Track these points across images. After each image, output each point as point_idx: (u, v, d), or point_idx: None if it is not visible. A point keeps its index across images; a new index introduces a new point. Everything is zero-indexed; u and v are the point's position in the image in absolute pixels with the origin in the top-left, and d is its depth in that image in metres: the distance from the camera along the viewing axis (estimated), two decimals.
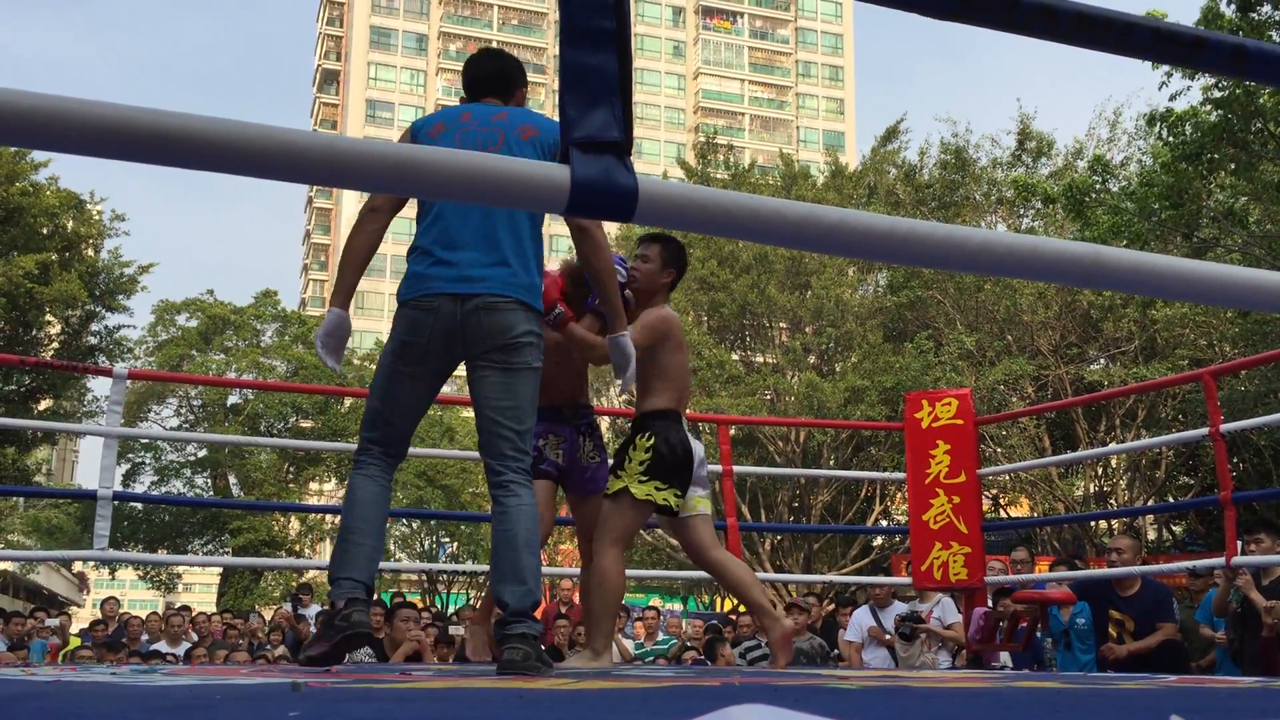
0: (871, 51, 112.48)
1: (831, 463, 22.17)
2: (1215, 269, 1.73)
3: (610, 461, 4.12)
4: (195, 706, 1.40)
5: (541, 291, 3.23)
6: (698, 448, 4.04)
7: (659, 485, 3.84)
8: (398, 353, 3.17)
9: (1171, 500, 19.30)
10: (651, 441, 3.85)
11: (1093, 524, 19.73)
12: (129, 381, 6.26)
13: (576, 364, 4.19)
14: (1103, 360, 20.08)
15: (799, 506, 23.02)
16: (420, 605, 14.34)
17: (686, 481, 3.94)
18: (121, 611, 11.94)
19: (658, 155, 61.94)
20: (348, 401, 33.01)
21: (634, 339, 3.64)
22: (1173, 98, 13.40)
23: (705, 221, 1.53)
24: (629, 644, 9.86)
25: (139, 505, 30.78)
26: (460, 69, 3.58)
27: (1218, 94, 12.67)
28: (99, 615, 10.98)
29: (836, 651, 8.08)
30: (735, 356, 24.01)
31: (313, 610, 11.06)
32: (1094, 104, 53.22)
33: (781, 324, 23.99)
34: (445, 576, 33.38)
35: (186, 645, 9.63)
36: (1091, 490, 20.37)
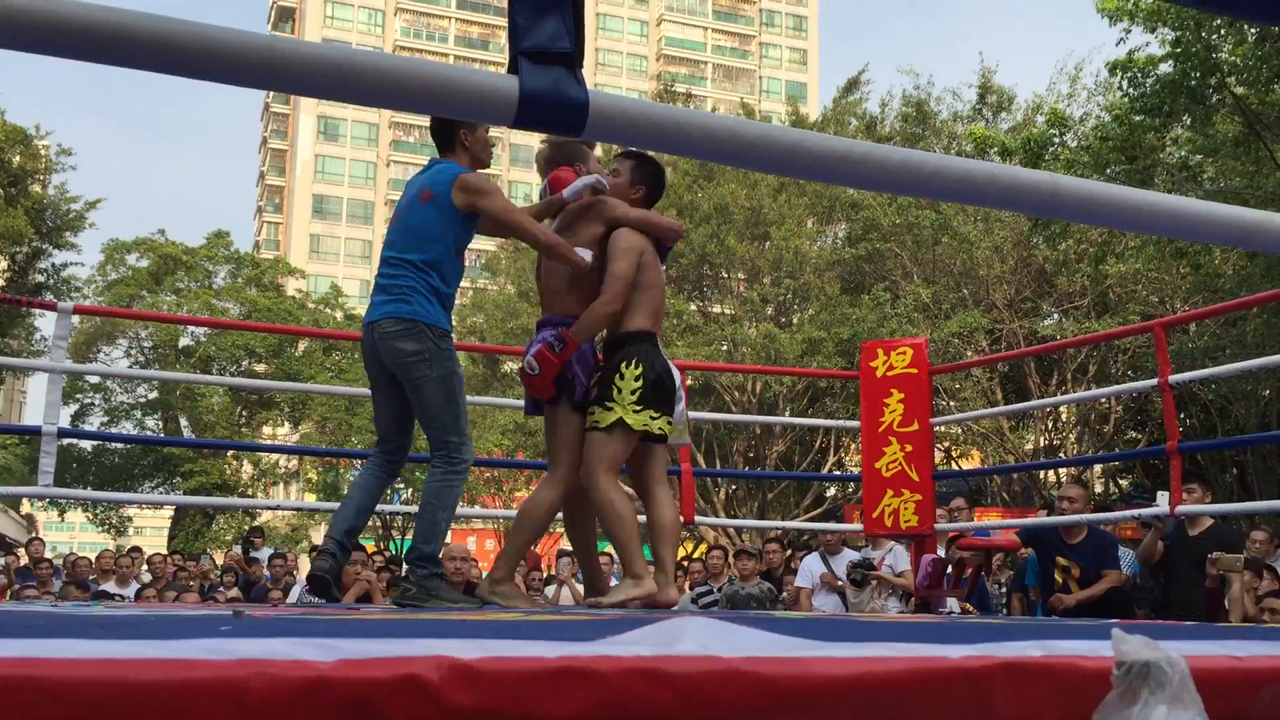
0: (835, 2, 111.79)
1: (788, 413, 22.29)
2: (1171, 200, 1.72)
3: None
4: (125, 624, 1.37)
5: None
6: (675, 371, 3.94)
7: (653, 414, 3.74)
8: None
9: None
10: (640, 369, 3.74)
11: (1042, 475, 20.02)
12: (76, 319, 6.12)
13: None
14: (1056, 315, 20.29)
15: (754, 456, 23.16)
16: (373, 550, 14.30)
17: (672, 406, 3.85)
18: (69, 554, 11.79)
19: None
20: (301, 345, 32.70)
21: (618, 269, 3.76)
22: (1130, 53, 13.45)
23: (658, 137, 1.49)
24: (582, 589, 9.91)
25: (88, 447, 30.38)
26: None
27: (1176, 49, 12.73)
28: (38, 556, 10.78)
29: (784, 596, 8.16)
30: (693, 306, 23.99)
31: (265, 553, 10.97)
32: (1055, 59, 53.30)
33: (740, 274, 23.99)
34: (399, 521, 33.33)
35: (136, 587, 9.53)
36: (1041, 444, 20.65)
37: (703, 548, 21.45)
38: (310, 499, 33.82)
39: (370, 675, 0.81)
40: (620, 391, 3.70)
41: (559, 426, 3.87)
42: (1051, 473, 19.73)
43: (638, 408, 3.70)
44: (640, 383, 3.71)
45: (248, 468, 32.60)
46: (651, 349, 3.82)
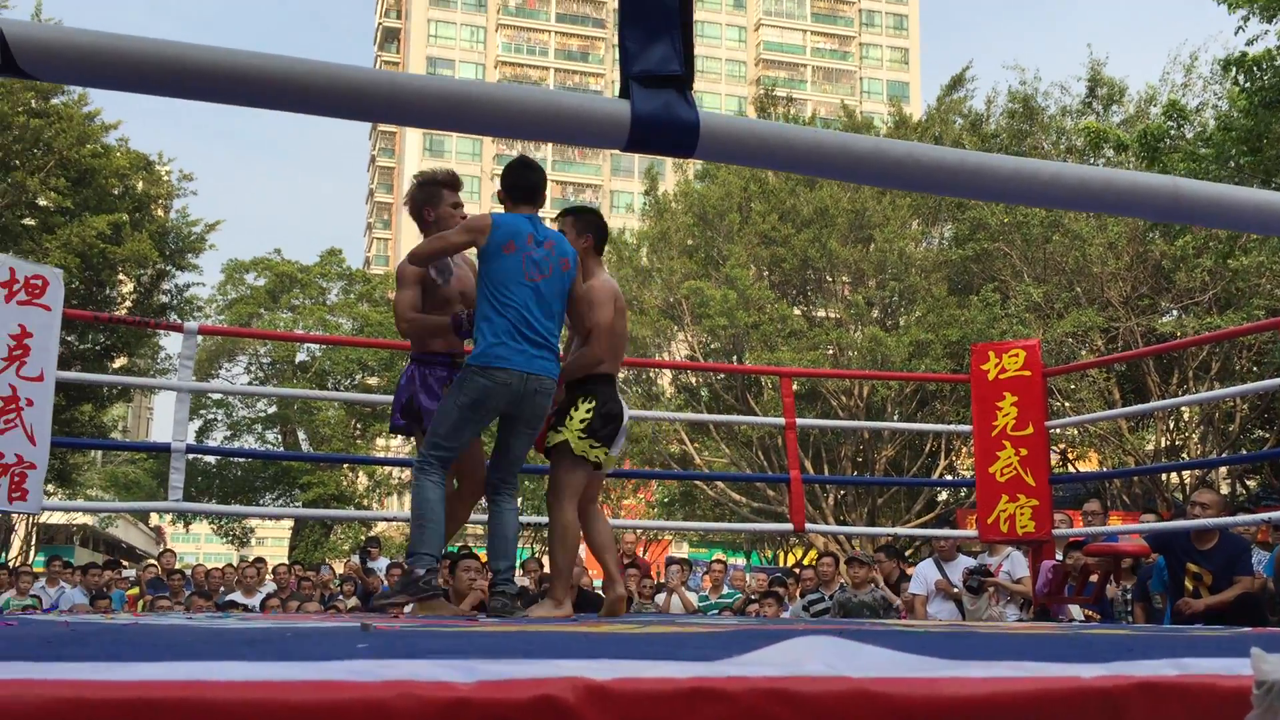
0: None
1: (895, 417, 21.98)
2: None
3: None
4: (266, 640, 1.43)
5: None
6: (625, 410, 4.49)
7: (594, 444, 4.28)
8: None
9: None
10: (592, 405, 4.29)
11: (1164, 478, 19.38)
12: (199, 338, 6.37)
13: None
14: (1175, 311, 19.63)
15: (862, 461, 22.89)
16: (484, 559, 14.49)
17: (614, 441, 4.38)
18: (197, 565, 12.24)
19: (718, 109, 61.31)
20: None
21: (600, 318, 4.24)
22: (1250, 42, 12.96)
23: (767, 155, 1.50)
24: (693, 596, 9.92)
25: (212, 461, 31.43)
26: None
27: None
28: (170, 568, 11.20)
29: (898, 604, 8.06)
30: (796, 311, 23.83)
31: (382, 563, 11.24)
32: (1168, 48, 51.60)
33: (844, 278, 23.74)
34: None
35: (261, 596, 9.85)
36: (1163, 444, 20.00)
37: (812, 554, 21.28)
38: None
39: (509, 696, 0.84)
40: (571, 419, 4.27)
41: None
42: (1174, 475, 19.09)
43: (582, 435, 4.26)
44: (590, 415, 4.27)
45: (363, 479, 33.36)
46: (609, 390, 4.38)
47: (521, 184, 4.22)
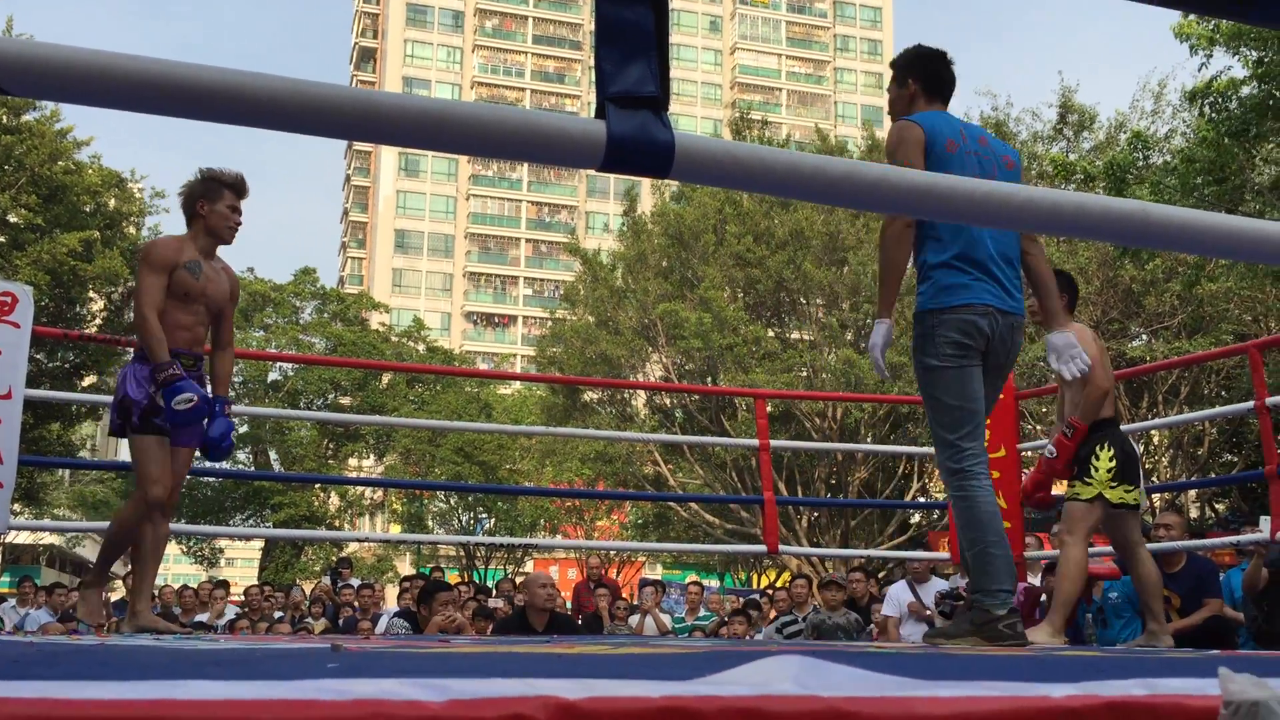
0: (911, 25, 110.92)
1: (869, 439, 22.06)
2: (1264, 227, 1.69)
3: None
4: (236, 661, 1.42)
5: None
6: (1137, 447, 4.62)
7: (1128, 488, 4.37)
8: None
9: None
10: (1113, 451, 4.39)
11: None
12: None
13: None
14: (1145, 336, 19.83)
15: (836, 483, 22.95)
16: (456, 579, 14.40)
17: (1139, 480, 4.46)
18: (164, 586, 12.10)
19: (694, 131, 61.56)
20: (385, 378, 33.22)
21: (1095, 356, 4.22)
22: (1212, 79, 13.17)
23: (743, 177, 1.51)
24: (666, 618, 9.90)
25: None
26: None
27: (1260, 70, 12.46)
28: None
29: (872, 627, 8.07)
30: (771, 333, 23.92)
31: (354, 584, 11.15)
32: (1137, 77, 52.26)
33: (818, 300, 23.86)
34: (483, 551, 33.59)
35: (229, 618, 9.74)
36: None
37: (786, 576, 21.29)
38: (395, 530, 34.26)
39: (480, 715, 0.83)
40: (1097, 470, 4.37)
41: (133, 452, 4.17)
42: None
43: (1114, 484, 4.35)
44: (1114, 463, 4.36)
45: (335, 499, 33.15)
46: (1117, 431, 4.49)
47: (942, 73, 3.55)
